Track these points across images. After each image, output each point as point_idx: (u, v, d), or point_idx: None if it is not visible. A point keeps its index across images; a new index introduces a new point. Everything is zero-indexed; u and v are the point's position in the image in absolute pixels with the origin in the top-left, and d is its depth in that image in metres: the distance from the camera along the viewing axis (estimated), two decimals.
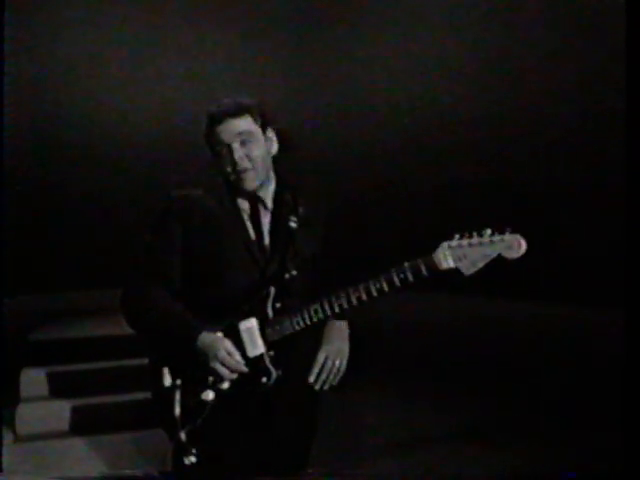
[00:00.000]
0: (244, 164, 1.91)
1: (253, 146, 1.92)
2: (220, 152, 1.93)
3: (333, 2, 6.01)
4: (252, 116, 1.95)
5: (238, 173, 1.91)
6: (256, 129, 1.95)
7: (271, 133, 2.01)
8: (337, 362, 1.93)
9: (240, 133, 1.91)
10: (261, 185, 1.97)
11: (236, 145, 1.91)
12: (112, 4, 5.65)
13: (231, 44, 5.97)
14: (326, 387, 1.93)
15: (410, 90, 5.66)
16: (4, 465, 3.24)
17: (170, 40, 5.80)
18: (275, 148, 2.02)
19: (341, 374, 1.95)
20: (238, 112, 1.93)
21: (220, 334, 1.88)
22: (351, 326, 2.01)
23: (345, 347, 1.97)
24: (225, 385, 1.84)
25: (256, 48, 6.00)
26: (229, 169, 1.92)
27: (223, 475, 1.92)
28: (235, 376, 1.83)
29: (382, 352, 5.01)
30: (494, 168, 5.08)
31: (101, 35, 5.60)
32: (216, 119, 1.93)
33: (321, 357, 1.91)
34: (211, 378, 1.85)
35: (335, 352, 1.93)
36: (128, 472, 3.37)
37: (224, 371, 1.81)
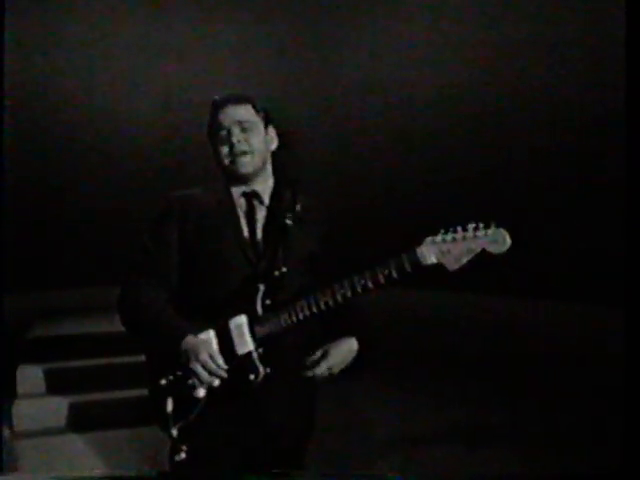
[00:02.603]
0: (242, 147, 1.91)
1: (253, 134, 1.94)
2: (219, 135, 1.93)
3: (332, 7, 6.01)
4: (254, 107, 1.97)
5: (235, 156, 1.91)
6: (257, 120, 1.96)
7: (272, 131, 2.02)
8: (328, 375, 1.92)
9: (241, 120, 1.93)
10: (257, 177, 1.97)
11: (235, 129, 1.92)
12: (112, 3, 5.64)
13: (230, 42, 5.95)
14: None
15: (406, 86, 5.66)
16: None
17: (170, 39, 5.79)
18: (274, 145, 2.03)
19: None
20: (240, 100, 1.96)
21: (212, 332, 1.87)
22: (360, 343, 1.99)
23: (345, 364, 1.95)
24: (216, 382, 1.84)
25: (256, 45, 5.99)
26: (226, 151, 1.92)
27: (216, 472, 1.92)
28: (215, 380, 1.82)
29: (380, 349, 5.00)
30: (488, 164, 5.08)
31: (100, 35, 5.59)
32: (219, 105, 1.96)
33: (324, 367, 1.89)
34: (191, 380, 1.84)
35: (336, 368, 1.92)
36: (126, 472, 3.35)
37: (204, 374, 1.80)
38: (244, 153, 1.92)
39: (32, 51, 5.36)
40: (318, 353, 1.92)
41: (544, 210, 4.74)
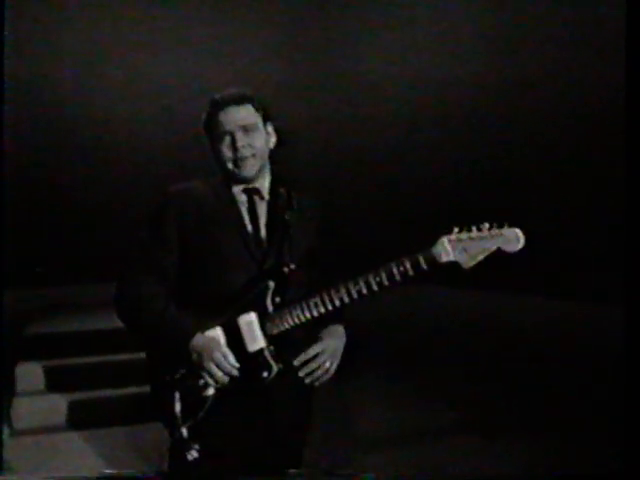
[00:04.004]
0: (246, 152, 1.91)
1: (255, 135, 1.93)
2: (221, 139, 1.92)
3: (331, 5, 6.00)
4: (254, 106, 1.95)
5: (238, 160, 1.91)
6: (258, 119, 1.95)
7: (270, 127, 2.01)
8: (328, 362, 1.90)
9: (244, 124, 1.92)
10: (258, 175, 1.97)
11: (239, 133, 1.91)
12: (111, 3, 5.63)
13: (229, 39, 5.95)
14: (308, 380, 1.90)
15: (409, 84, 5.65)
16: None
17: (169, 39, 5.78)
18: (273, 142, 2.02)
19: (327, 376, 1.92)
20: (241, 100, 1.94)
21: (219, 329, 1.87)
22: (347, 331, 1.99)
23: (339, 350, 1.95)
24: (227, 379, 1.83)
25: (254, 43, 5.98)
26: (230, 156, 1.92)
27: (223, 470, 1.91)
28: (227, 379, 1.82)
29: (377, 346, 5.00)
30: (495, 163, 5.07)
31: (100, 34, 5.58)
32: (219, 106, 1.93)
33: (317, 348, 1.89)
34: (203, 380, 1.83)
35: (330, 352, 1.91)
36: (126, 470, 3.35)
37: (217, 373, 1.80)
38: (248, 157, 1.91)
39: (32, 51, 5.35)
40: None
41: (544, 207, 4.74)
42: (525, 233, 1.73)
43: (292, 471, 1.99)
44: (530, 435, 3.80)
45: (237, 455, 1.92)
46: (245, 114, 1.93)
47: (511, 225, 1.73)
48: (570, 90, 4.68)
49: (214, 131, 1.94)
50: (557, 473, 3.29)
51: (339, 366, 1.96)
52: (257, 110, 1.96)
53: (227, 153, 1.92)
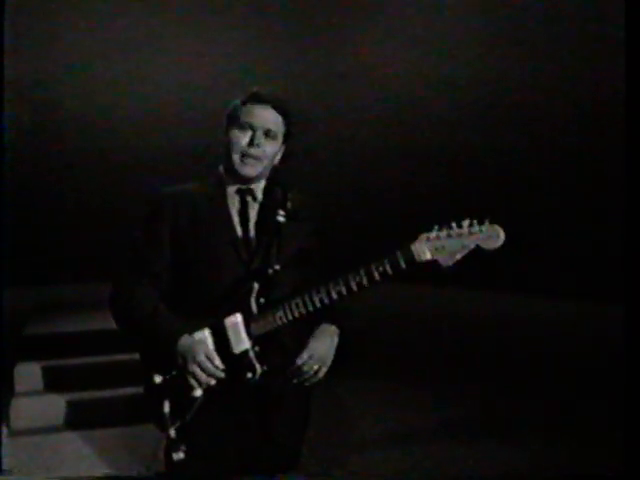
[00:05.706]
0: (257, 152, 1.92)
1: (271, 143, 1.94)
2: (243, 129, 1.92)
3: (332, 3, 5.99)
4: (284, 120, 1.97)
5: (246, 156, 1.92)
6: (281, 133, 1.97)
7: (284, 147, 2.02)
8: (316, 367, 1.88)
9: (270, 129, 1.93)
10: (254, 179, 1.97)
11: (260, 132, 1.92)
12: (112, 4, 5.62)
13: (229, 42, 5.94)
14: (295, 381, 1.89)
15: (401, 84, 5.65)
16: None
17: (169, 39, 5.77)
18: (277, 160, 2.02)
19: (316, 379, 1.91)
20: (279, 107, 1.95)
21: (207, 331, 1.87)
22: (341, 330, 1.98)
23: (330, 355, 1.93)
24: (213, 382, 1.83)
25: (253, 44, 5.98)
26: (241, 146, 1.92)
27: (218, 471, 1.90)
28: (212, 381, 1.81)
29: (375, 347, 5.00)
30: (495, 163, 5.07)
31: (100, 35, 5.58)
32: (258, 99, 1.95)
33: (305, 356, 1.88)
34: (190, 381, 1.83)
35: (319, 357, 1.89)
36: (125, 471, 3.34)
37: (201, 376, 1.80)
38: (255, 158, 1.92)
39: (32, 51, 5.35)
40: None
41: (542, 207, 4.73)
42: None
43: (289, 473, 1.98)
44: (530, 435, 3.79)
45: (232, 456, 1.92)
46: (276, 120, 1.94)
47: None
48: (568, 88, 4.67)
49: (240, 119, 1.94)
50: (557, 473, 3.29)
51: (336, 367, 1.95)
52: (285, 125, 1.97)
53: (241, 143, 1.92)
